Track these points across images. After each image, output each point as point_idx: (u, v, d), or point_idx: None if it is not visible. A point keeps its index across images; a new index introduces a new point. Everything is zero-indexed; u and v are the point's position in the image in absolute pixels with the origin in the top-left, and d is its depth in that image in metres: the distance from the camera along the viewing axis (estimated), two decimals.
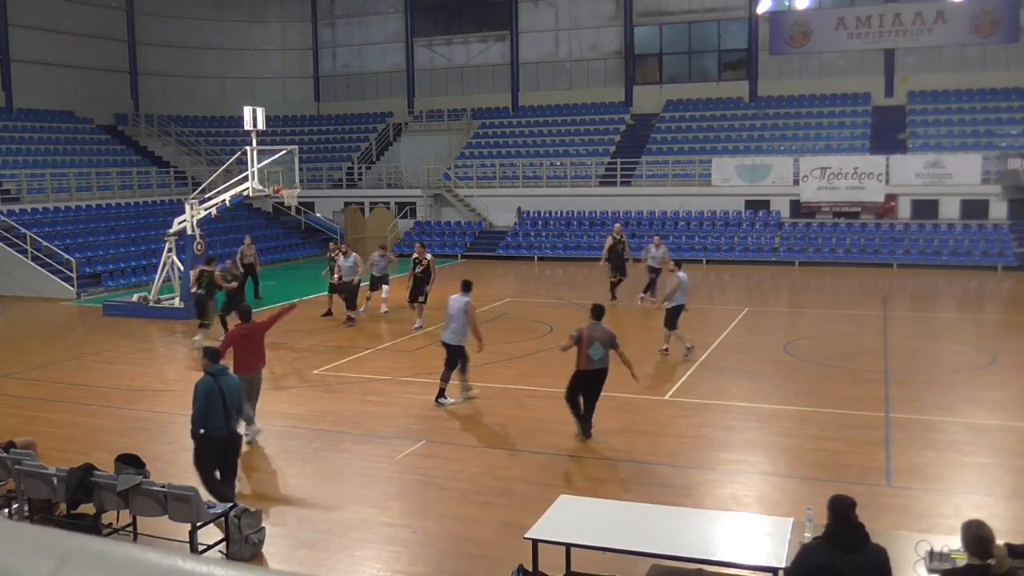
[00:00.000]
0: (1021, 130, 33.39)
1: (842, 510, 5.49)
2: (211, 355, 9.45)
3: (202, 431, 8.97)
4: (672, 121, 38.76)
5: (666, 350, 16.65)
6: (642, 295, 22.54)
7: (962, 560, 5.74)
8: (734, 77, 39.61)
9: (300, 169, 24.62)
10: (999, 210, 31.33)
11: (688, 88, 39.79)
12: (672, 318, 16.59)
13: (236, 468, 9.34)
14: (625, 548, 6.81)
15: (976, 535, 5.41)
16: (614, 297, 22.87)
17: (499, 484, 10.22)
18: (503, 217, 36.47)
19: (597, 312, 11.74)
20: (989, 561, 5.34)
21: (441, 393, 13.40)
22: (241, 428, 11.25)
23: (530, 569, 7.13)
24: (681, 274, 16.61)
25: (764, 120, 37.20)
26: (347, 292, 20.34)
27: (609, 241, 23.80)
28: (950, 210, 31.80)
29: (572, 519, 7.36)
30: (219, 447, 9.05)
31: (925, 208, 31.98)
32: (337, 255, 20.94)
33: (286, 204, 28.93)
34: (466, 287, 13.61)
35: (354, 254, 20.97)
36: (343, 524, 9.15)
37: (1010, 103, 34.69)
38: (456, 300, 13.40)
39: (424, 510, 9.51)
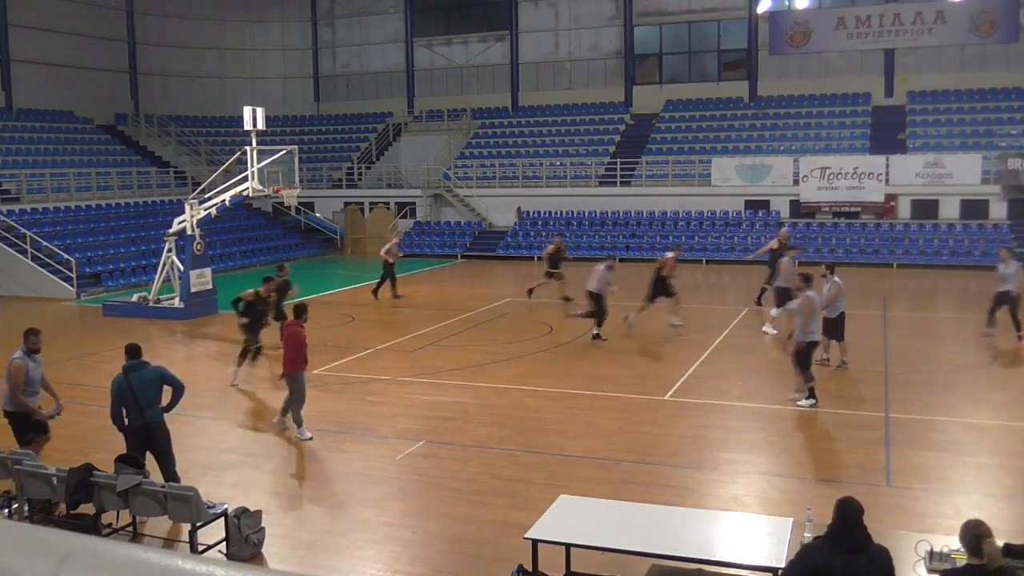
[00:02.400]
0: (1021, 130, 33.37)
1: (849, 513, 5.44)
2: (129, 351, 9.68)
3: (126, 423, 9.28)
4: (672, 121, 38.76)
5: (827, 359, 15.61)
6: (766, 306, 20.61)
7: (962, 560, 5.73)
8: (734, 77, 39.61)
9: (300, 169, 24.63)
10: (999, 210, 31.32)
11: (688, 88, 39.80)
12: (835, 327, 15.48)
13: (168, 452, 9.45)
14: (625, 548, 6.81)
15: (972, 534, 5.37)
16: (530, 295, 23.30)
17: (499, 484, 10.22)
18: (503, 217, 36.48)
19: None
20: (981, 559, 5.35)
21: None
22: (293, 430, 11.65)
23: (530, 569, 7.13)
24: (837, 279, 15.73)
25: (764, 120, 37.20)
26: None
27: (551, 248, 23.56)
28: (950, 210, 31.79)
29: (572, 519, 7.36)
30: (137, 437, 9.25)
31: (925, 208, 31.98)
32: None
33: (286, 204, 28.94)
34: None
35: None
36: (343, 524, 9.15)
37: (1010, 103, 34.68)
38: None
39: (424, 510, 9.51)
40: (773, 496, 9.77)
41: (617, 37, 40.72)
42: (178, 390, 9.58)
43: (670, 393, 14.09)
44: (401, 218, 37.59)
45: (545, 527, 7.14)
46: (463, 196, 37.28)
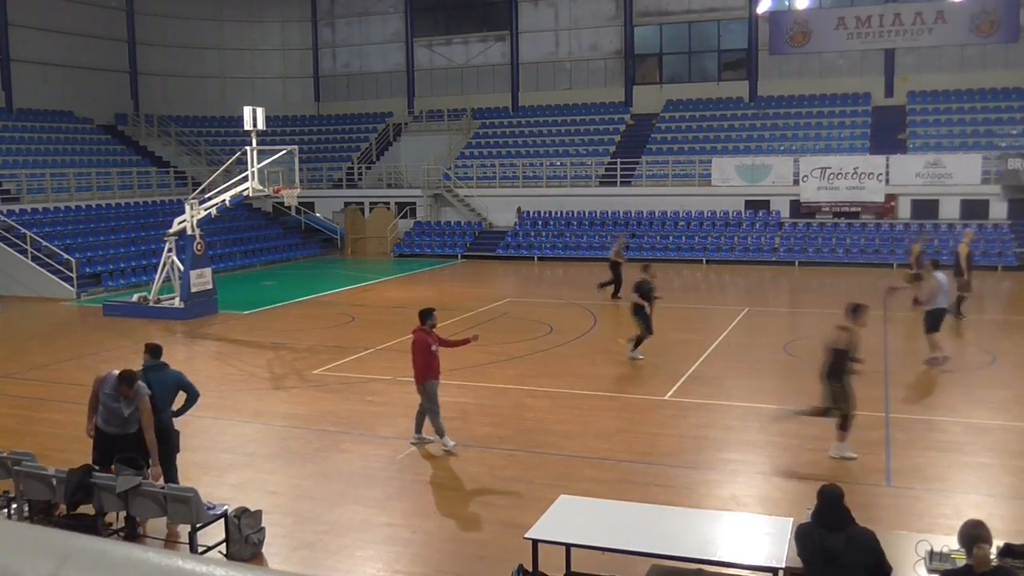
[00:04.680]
0: (1021, 130, 33.36)
1: (828, 496, 6.12)
2: (151, 350, 9.64)
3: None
4: (672, 121, 38.77)
5: (935, 359, 15.49)
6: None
7: (962, 560, 5.75)
8: (734, 77, 39.62)
9: (300, 169, 24.63)
10: (999, 210, 31.31)
11: (688, 88, 39.80)
12: (934, 322, 15.65)
13: (172, 456, 9.43)
14: (625, 548, 6.82)
15: (967, 536, 5.51)
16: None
17: (499, 484, 10.22)
18: (503, 217, 36.47)
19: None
20: (968, 561, 5.48)
21: None
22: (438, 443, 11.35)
23: (530, 569, 7.13)
24: (939, 275, 15.78)
25: (764, 120, 37.20)
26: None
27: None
28: (950, 210, 31.78)
29: (572, 519, 7.37)
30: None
31: (925, 208, 31.97)
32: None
33: (286, 204, 28.92)
34: None
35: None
36: (343, 524, 9.15)
37: (1010, 103, 34.67)
38: None
39: (424, 510, 9.51)
40: (773, 496, 9.77)
41: (617, 37, 40.72)
42: (192, 397, 9.56)
43: (670, 393, 14.09)
44: (401, 218, 37.60)
45: (545, 527, 7.14)
46: (463, 196, 37.28)
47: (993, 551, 5.83)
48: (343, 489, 10.17)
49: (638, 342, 16.25)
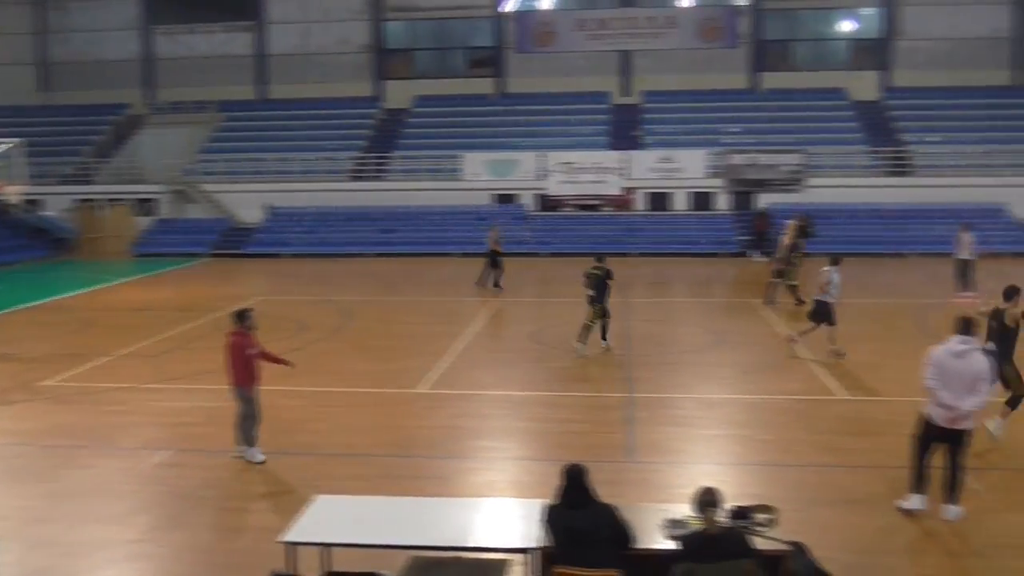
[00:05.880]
0: (741, 128, 36.40)
1: (570, 475, 6.42)
2: None
3: None
4: (423, 116, 39.09)
5: (835, 351, 15.74)
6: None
7: (696, 525, 6.25)
8: (483, 74, 40.53)
9: (25, 163, 22.68)
10: (723, 202, 34.05)
11: (438, 84, 40.28)
12: (823, 313, 16.06)
13: None
14: (383, 543, 6.83)
15: (699, 502, 6.12)
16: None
17: (253, 489, 9.94)
18: (251, 213, 35.34)
19: None
20: (702, 524, 6.07)
21: None
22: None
23: (286, 573, 6.98)
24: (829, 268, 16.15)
25: (511, 116, 38.30)
26: None
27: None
28: (681, 202, 34.15)
29: (329, 518, 7.28)
30: None
31: (659, 200, 34.18)
32: None
33: (11, 201, 26.53)
34: None
35: None
36: (84, 545, 8.55)
37: (732, 103, 37.79)
38: None
39: (173, 522, 9.07)
40: (525, 480, 10.11)
41: (367, 31, 40.54)
42: None
43: (425, 386, 14.23)
44: (142, 216, 35.53)
45: (301, 529, 7.01)
46: (208, 192, 35.75)
47: (724, 514, 6.38)
48: (81, 507, 9.49)
49: (603, 330, 16.36)
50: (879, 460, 10.21)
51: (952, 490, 8.76)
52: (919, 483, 8.93)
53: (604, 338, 16.45)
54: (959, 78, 37.43)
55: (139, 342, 17.76)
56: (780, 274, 21.30)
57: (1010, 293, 11.22)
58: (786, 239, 21.38)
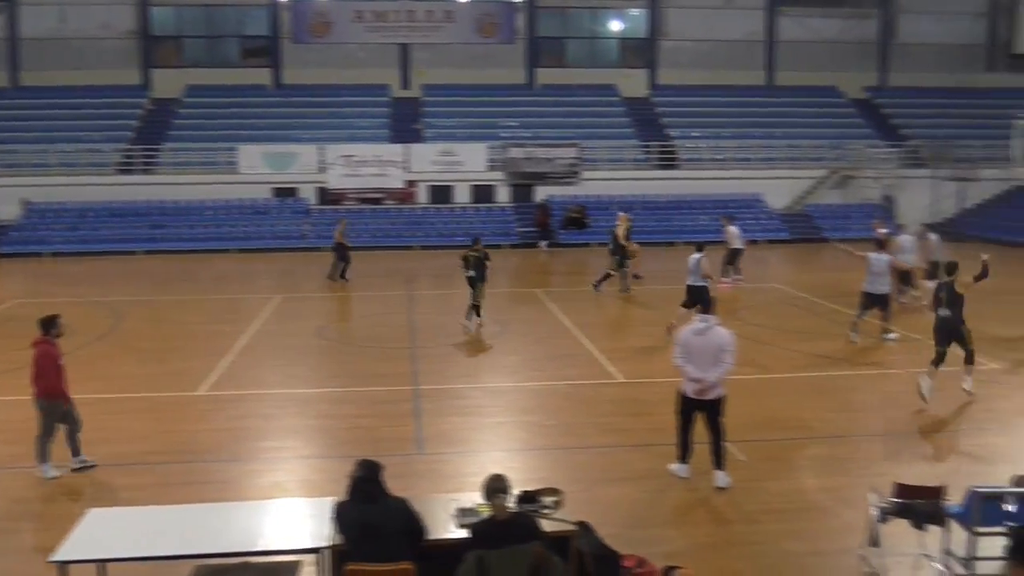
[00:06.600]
0: (519, 122, 37.29)
1: (362, 470, 6.42)
2: None
3: None
4: (195, 107, 37.43)
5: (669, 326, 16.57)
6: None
7: (487, 512, 6.37)
8: (258, 64, 39.29)
9: None
10: (504, 194, 34.78)
11: (210, 73, 38.65)
12: (697, 297, 16.06)
13: None
14: (163, 554, 6.51)
15: (487, 489, 6.26)
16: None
17: (19, 507, 9.20)
18: (6, 210, 32.55)
19: None
20: (491, 511, 6.23)
21: None
22: None
23: None
24: (698, 255, 16.98)
25: (289, 108, 37.38)
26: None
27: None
28: (463, 195, 34.58)
29: (104, 533, 6.85)
30: None
31: (441, 193, 34.45)
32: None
33: None
34: None
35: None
36: None
37: (510, 98, 38.65)
38: None
39: None
40: (314, 478, 9.94)
41: (131, 16, 38.27)
42: None
43: (205, 388, 13.68)
44: None
45: (73, 546, 6.56)
46: None
47: (512, 500, 6.54)
48: None
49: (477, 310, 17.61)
50: (655, 438, 10.78)
51: (718, 456, 9.56)
52: (685, 453, 9.76)
53: (470, 318, 17.54)
54: (719, 77, 40.09)
55: None
56: (620, 264, 22.27)
57: (952, 268, 12.89)
58: (620, 230, 22.25)
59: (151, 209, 32.85)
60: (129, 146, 34.74)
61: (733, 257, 23.72)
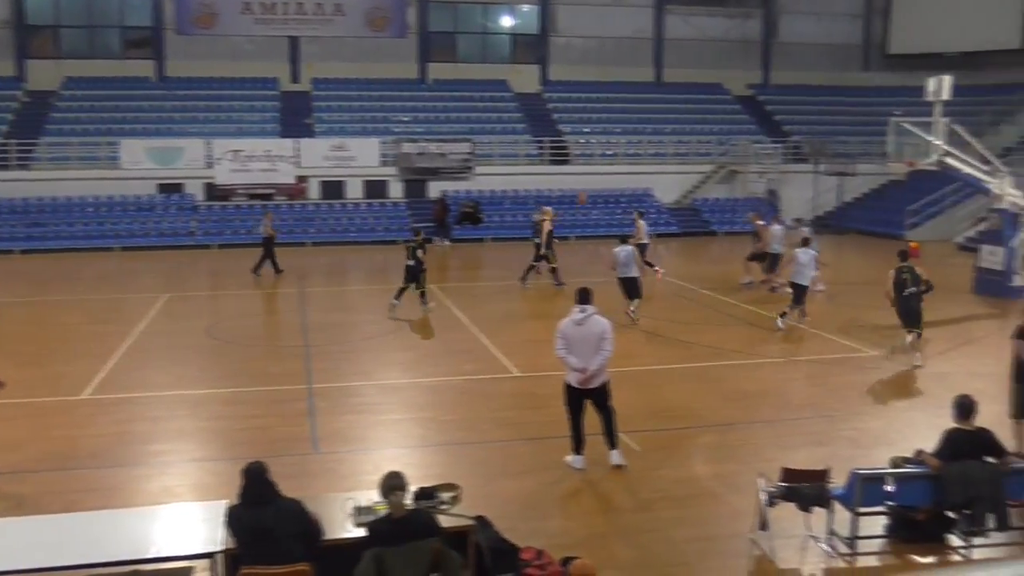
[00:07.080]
0: (411, 117, 37.09)
1: (251, 472, 6.34)
2: None
3: None
4: (74, 100, 35.95)
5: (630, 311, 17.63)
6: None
7: (384, 510, 6.34)
8: (140, 55, 37.95)
9: None
10: (397, 190, 34.54)
11: (90, 65, 37.14)
12: (632, 288, 17.96)
13: None
14: (46, 566, 6.26)
15: (384, 487, 6.23)
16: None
17: None
18: None
19: None
20: (388, 509, 6.23)
21: None
22: None
23: None
24: (627, 247, 18.08)
25: (174, 101, 36.24)
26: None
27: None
28: (355, 190, 34.20)
29: None
30: None
31: (333, 189, 33.99)
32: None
33: None
34: None
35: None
36: None
37: (402, 92, 38.37)
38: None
39: None
40: (207, 481, 9.70)
41: (4, 4, 36.48)
42: None
43: (88, 391, 13.19)
44: None
45: None
46: None
47: (409, 497, 6.52)
48: None
49: (400, 292, 18.79)
50: (550, 431, 10.88)
51: (610, 435, 9.79)
52: (579, 445, 9.89)
53: (397, 299, 18.70)
54: (609, 74, 40.66)
55: None
56: (545, 258, 22.42)
57: (905, 254, 14.96)
58: (546, 225, 22.32)
59: (28, 206, 31.44)
60: (3, 140, 33.15)
61: (641, 251, 24.27)
